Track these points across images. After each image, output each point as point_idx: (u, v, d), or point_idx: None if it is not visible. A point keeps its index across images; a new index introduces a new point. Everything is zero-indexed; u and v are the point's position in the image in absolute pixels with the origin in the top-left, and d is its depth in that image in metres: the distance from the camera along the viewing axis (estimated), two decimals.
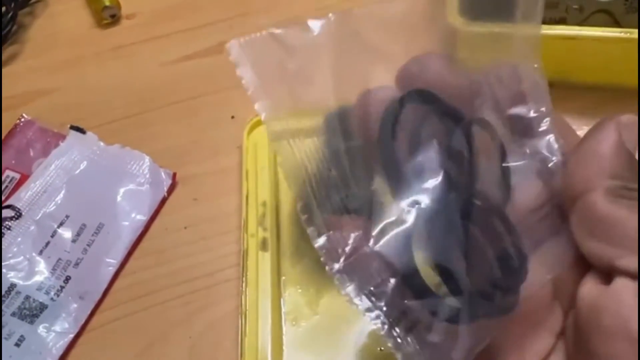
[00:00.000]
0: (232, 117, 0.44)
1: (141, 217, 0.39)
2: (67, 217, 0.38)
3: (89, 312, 0.35)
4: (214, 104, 0.45)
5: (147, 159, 0.40)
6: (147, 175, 0.40)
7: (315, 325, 0.35)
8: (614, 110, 0.18)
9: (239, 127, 0.41)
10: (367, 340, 0.34)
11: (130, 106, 0.45)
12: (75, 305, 0.35)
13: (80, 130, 0.41)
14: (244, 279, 0.35)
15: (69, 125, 0.41)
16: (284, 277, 0.36)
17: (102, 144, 0.41)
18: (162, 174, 0.40)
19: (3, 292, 0.35)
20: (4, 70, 0.48)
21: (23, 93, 0.46)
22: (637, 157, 0.17)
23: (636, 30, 0.37)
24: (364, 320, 0.21)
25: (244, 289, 0.34)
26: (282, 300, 0.35)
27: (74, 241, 0.37)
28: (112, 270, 0.37)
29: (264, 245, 0.36)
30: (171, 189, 0.40)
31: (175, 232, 0.39)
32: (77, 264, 0.37)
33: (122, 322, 0.35)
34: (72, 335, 0.34)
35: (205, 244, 0.38)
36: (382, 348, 0.33)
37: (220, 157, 0.42)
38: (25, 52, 0.49)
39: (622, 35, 0.37)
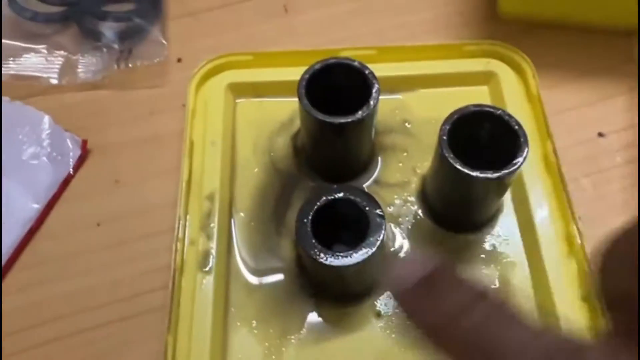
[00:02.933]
0: (178, 59, 0.34)
1: (34, 206, 0.29)
2: None
3: None
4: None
5: (46, 118, 0.31)
6: (46, 143, 0.31)
7: None
8: None
9: (186, 75, 0.32)
10: None
11: None
12: None
13: None
14: (173, 310, 0.25)
15: None
16: (233, 310, 0.26)
17: None
18: (68, 141, 0.31)
19: None
20: None
21: None
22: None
23: None
24: None
25: (171, 327, 0.24)
26: (227, 346, 0.25)
27: None
28: None
29: (206, 262, 0.26)
30: (80, 163, 0.31)
31: (82, 230, 0.29)
32: None
33: None
34: None
35: (125, 251, 0.28)
36: None
37: (154, 118, 0.32)
38: None
39: None
